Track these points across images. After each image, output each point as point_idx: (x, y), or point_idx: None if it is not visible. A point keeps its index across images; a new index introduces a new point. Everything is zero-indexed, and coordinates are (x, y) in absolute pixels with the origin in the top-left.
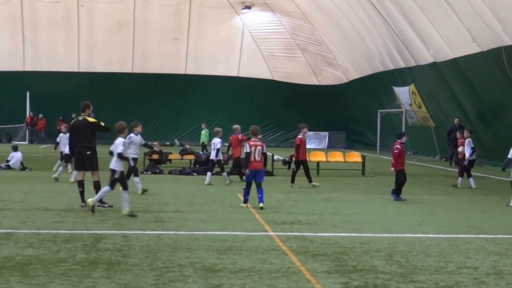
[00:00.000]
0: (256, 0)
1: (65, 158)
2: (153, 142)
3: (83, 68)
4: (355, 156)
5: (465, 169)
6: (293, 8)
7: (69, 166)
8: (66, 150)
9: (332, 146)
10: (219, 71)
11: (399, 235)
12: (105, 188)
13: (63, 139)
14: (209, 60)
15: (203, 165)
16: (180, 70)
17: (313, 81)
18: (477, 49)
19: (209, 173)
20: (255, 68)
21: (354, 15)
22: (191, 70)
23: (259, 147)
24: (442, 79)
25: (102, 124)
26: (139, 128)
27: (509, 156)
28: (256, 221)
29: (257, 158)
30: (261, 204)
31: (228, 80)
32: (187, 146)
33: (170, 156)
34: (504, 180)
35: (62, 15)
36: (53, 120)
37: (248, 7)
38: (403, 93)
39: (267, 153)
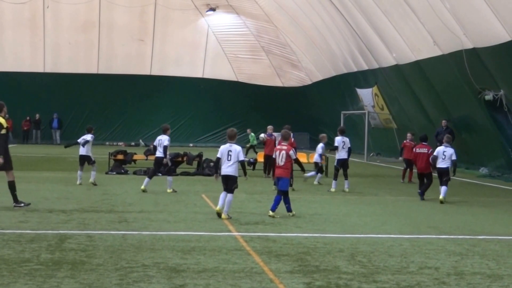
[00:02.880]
0: (221, 2)
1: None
2: (118, 142)
3: (49, 69)
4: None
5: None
6: (257, 10)
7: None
8: (82, 152)
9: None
10: (183, 72)
11: (362, 235)
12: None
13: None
14: (174, 61)
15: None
16: (145, 71)
17: (277, 82)
18: (438, 52)
19: (314, 173)
20: (219, 69)
21: (318, 18)
22: (156, 71)
23: (283, 152)
24: (404, 82)
25: (2, 132)
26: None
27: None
28: (220, 221)
29: (280, 164)
30: (290, 214)
31: (192, 81)
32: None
33: (135, 157)
34: (466, 182)
35: (28, 16)
36: (18, 121)
37: (213, 9)
38: (366, 95)
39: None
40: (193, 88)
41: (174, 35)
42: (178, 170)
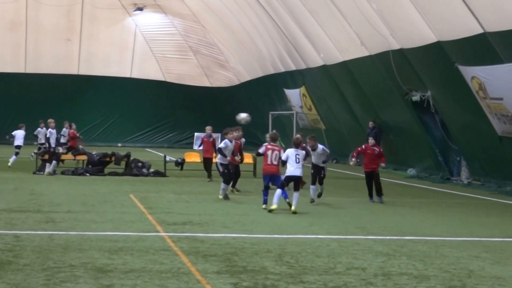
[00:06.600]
0: (148, 1)
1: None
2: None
3: None
4: (246, 158)
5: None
6: (185, 10)
7: None
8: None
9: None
10: (111, 72)
11: (290, 236)
12: None
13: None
14: (102, 60)
15: (95, 166)
16: (72, 70)
17: (205, 82)
18: (365, 53)
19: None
20: (147, 69)
21: (246, 18)
22: (84, 71)
23: (276, 152)
24: (332, 82)
25: None
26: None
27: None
28: (147, 222)
29: (274, 162)
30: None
31: (120, 81)
32: (80, 147)
33: (63, 156)
34: (394, 183)
35: None
36: None
37: (140, 9)
38: (294, 95)
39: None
40: (121, 88)
41: (101, 35)
42: (106, 170)
